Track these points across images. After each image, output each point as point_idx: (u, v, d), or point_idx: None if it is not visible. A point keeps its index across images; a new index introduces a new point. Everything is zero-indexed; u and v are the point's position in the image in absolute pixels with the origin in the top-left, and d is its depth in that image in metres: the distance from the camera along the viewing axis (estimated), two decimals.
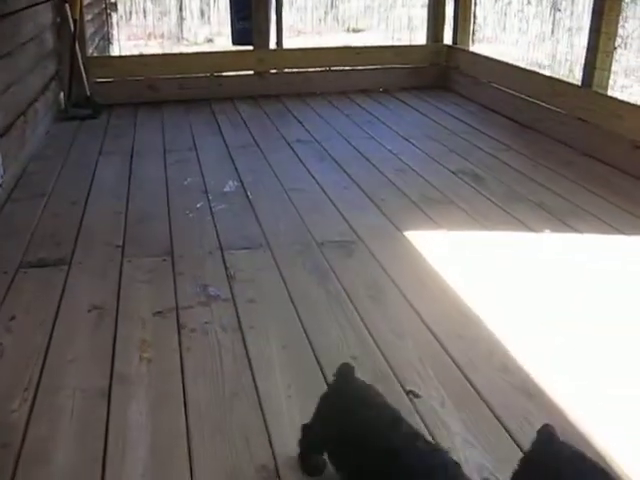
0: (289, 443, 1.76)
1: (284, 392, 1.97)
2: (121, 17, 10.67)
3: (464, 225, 3.15)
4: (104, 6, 8.45)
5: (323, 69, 6.04)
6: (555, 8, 8.88)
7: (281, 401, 1.93)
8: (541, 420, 1.83)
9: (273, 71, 5.93)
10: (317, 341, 2.22)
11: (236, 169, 3.97)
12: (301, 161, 4.12)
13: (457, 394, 1.96)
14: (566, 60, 8.14)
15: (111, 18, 9.13)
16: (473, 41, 6.10)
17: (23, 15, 4.20)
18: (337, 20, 12.51)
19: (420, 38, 7.37)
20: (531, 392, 1.97)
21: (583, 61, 4.36)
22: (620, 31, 4.74)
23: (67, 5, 5.07)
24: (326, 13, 12.45)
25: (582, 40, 5.20)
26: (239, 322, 2.33)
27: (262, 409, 1.89)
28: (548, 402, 1.92)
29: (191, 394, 1.96)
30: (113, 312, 2.41)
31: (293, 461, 1.70)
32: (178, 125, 4.98)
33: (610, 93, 4.37)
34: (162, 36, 11.47)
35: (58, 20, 5.13)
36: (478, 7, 6.32)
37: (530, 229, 3.09)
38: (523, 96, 4.97)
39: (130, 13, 11.44)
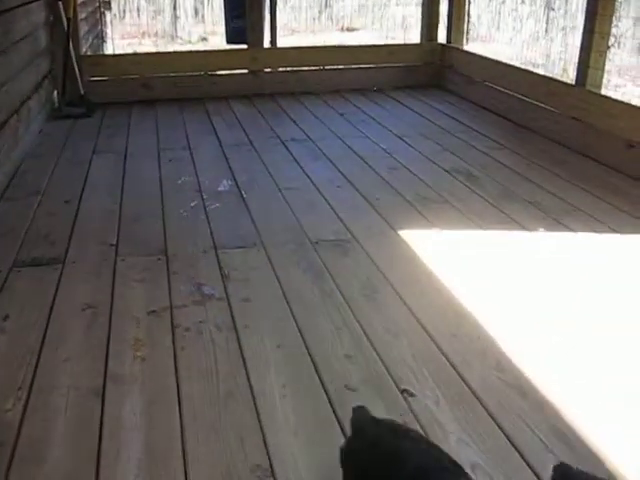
0: (283, 442, 1.76)
1: (278, 391, 1.97)
2: (115, 16, 10.64)
3: (458, 224, 3.15)
4: (98, 4, 8.42)
5: (317, 68, 6.04)
6: (549, 7, 8.90)
7: (275, 400, 1.93)
8: (535, 419, 1.84)
9: (267, 70, 5.92)
10: (311, 340, 2.22)
11: (230, 168, 3.97)
12: (295, 160, 4.12)
13: (452, 393, 1.96)
14: (560, 59, 8.15)
15: (105, 17, 9.10)
16: (467, 40, 6.11)
17: (16, 13, 4.18)
18: (331, 19, 12.50)
19: (414, 37, 7.37)
20: (525, 391, 1.97)
21: (577, 60, 4.37)
22: (614, 30, 4.75)
23: (60, 3, 5.05)
24: (320, 12, 12.44)
25: (576, 39, 5.21)
26: (233, 321, 2.33)
27: (256, 408, 1.89)
28: (542, 401, 1.93)
29: (185, 393, 1.96)
30: (107, 311, 2.40)
31: (287, 460, 1.70)
32: (172, 124, 4.97)
33: (604, 92, 4.38)
34: (156, 35, 11.45)
35: (51, 19, 5.12)
36: (472, 6, 6.34)
37: (524, 228, 3.10)
38: (517, 95, 4.97)
39: (124, 12, 11.41)
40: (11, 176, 3.76)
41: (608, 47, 4.30)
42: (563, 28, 8.53)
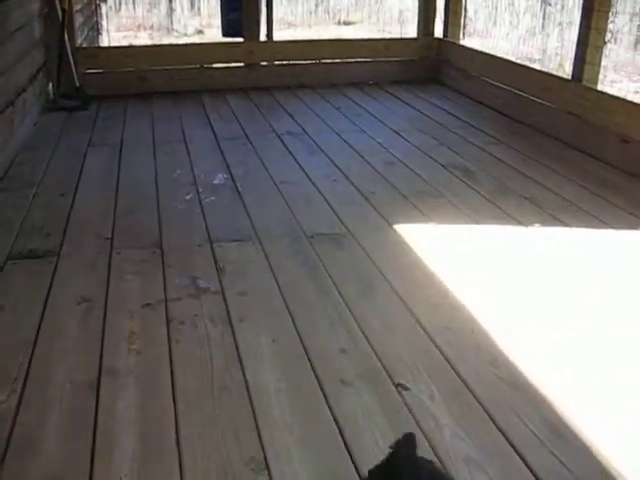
0: (278, 436, 1.76)
1: (273, 385, 1.97)
2: (110, 8, 10.60)
3: (454, 219, 3.16)
4: None
5: (313, 62, 6.03)
6: (546, 2, 8.89)
7: (270, 394, 1.93)
8: (530, 413, 1.85)
9: (263, 63, 5.91)
10: (307, 334, 2.22)
11: (226, 161, 3.96)
12: (291, 154, 4.11)
13: (446, 387, 1.97)
14: (556, 54, 8.16)
15: (100, 9, 9.06)
16: (464, 35, 6.10)
17: (10, 4, 4.16)
18: (328, 12, 12.47)
19: (411, 31, 7.36)
20: (520, 385, 1.98)
21: (573, 56, 4.37)
22: (610, 26, 4.75)
23: None
24: (317, 5, 12.41)
25: (572, 35, 5.21)
26: (228, 315, 2.33)
27: (251, 402, 1.89)
28: (537, 395, 1.93)
29: (180, 386, 1.96)
30: (102, 304, 2.40)
31: (282, 453, 1.70)
32: (168, 117, 4.96)
33: (600, 88, 4.38)
34: (152, 27, 11.41)
35: (46, 10, 5.09)
36: (469, 0, 6.32)
37: (520, 223, 3.10)
38: (513, 90, 4.97)
39: (119, 4, 11.36)
40: (6, 168, 3.75)
41: (604, 43, 4.30)
42: (560, 23, 8.53)
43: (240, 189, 3.52)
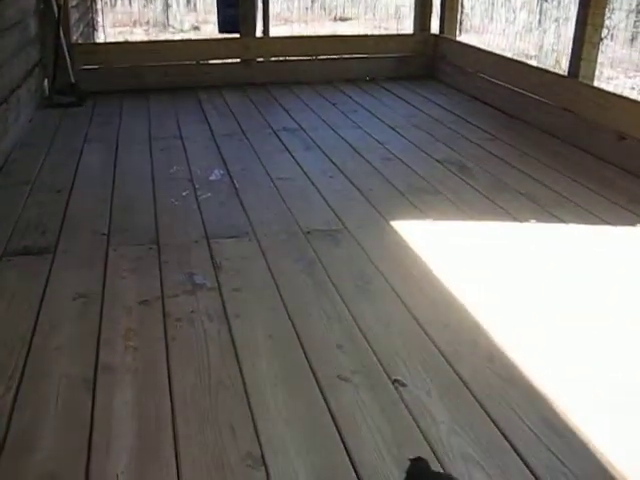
0: (275, 432, 1.76)
1: (270, 381, 1.97)
2: (106, 4, 10.56)
3: (450, 215, 3.16)
4: None
5: (310, 58, 6.02)
6: None
7: (267, 390, 1.93)
8: (527, 410, 1.85)
9: (260, 59, 5.90)
10: (303, 330, 2.22)
11: (222, 158, 3.96)
12: (288, 150, 4.11)
13: (443, 383, 1.97)
14: (553, 51, 8.16)
15: (96, 4, 9.03)
16: (460, 31, 6.11)
17: (6, 0, 4.15)
18: (324, 9, 12.46)
19: (407, 27, 7.35)
20: (516, 381, 1.98)
21: (570, 52, 4.37)
22: (606, 22, 4.76)
23: None
24: (313, 1, 12.39)
25: (569, 31, 5.21)
26: (225, 311, 2.33)
27: (248, 398, 1.89)
28: (533, 391, 1.93)
29: (177, 383, 1.96)
30: (98, 300, 2.40)
31: (279, 449, 1.70)
32: (164, 113, 4.95)
33: (596, 84, 4.38)
34: (148, 23, 11.39)
35: (42, 6, 5.07)
36: None
37: (516, 219, 3.11)
38: (510, 86, 4.97)
39: (115, 0, 11.33)
40: (1, 165, 3.74)
41: (601, 39, 4.31)
42: (556, 19, 8.53)
43: (237, 185, 3.51)
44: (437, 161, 3.91)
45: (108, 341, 2.16)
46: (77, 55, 5.38)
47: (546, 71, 5.18)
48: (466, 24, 9.33)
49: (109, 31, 9.67)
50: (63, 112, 4.90)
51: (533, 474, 1.63)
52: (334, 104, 5.21)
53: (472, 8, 9.57)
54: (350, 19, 12.19)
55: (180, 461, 1.67)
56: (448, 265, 2.67)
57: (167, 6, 11.72)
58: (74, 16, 6.15)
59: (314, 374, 2.00)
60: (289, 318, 2.29)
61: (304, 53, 6.01)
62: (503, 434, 1.76)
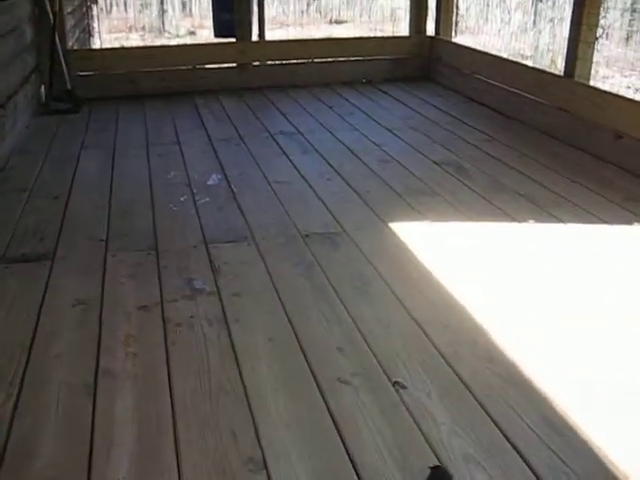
0: (276, 436, 1.76)
1: (270, 385, 1.97)
2: (101, 9, 10.57)
3: (448, 216, 3.16)
4: None
5: (306, 61, 6.03)
6: None
7: (267, 394, 1.93)
8: (527, 410, 1.85)
9: (256, 63, 5.90)
10: (303, 333, 2.22)
11: (220, 162, 3.96)
12: (285, 154, 4.11)
13: (443, 384, 1.97)
14: (548, 51, 8.17)
15: (91, 10, 9.03)
16: (456, 32, 6.11)
17: (0, 7, 4.15)
18: (320, 12, 12.47)
19: (403, 29, 7.36)
20: (516, 381, 1.98)
21: (565, 52, 4.38)
22: (601, 22, 4.77)
23: None
24: (308, 4, 12.41)
25: (564, 31, 5.22)
26: (224, 315, 2.33)
27: (249, 402, 1.89)
28: (534, 391, 1.94)
29: (177, 388, 1.96)
30: (98, 307, 2.39)
31: (280, 453, 1.70)
32: (161, 118, 4.95)
33: (592, 83, 4.39)
34: (143, 29, 11.39)
35: (37, 13, 5.08)
36: None
37: (514, 219, 3.11)
38: (506, 87, 4.98)
39: (111, 5, 11.34)
40: None
41: (596, 38, 4.31)
42: (551, 19, 8.55)
43: (234, 190, 3.51)
44: (434, 162, 3.92)
45: (108, 347, 2.16)
46: (73, 61, 5.38)
47: (542, 71, 5.20)
48: (461, 25, 9.34)
49: (105, 37, 9.66)
50: (60, 118, 4.90)
51: (534, 474, 1.63)
52: (331, 107, 5.21)
53: (467, 9, 9.58)
54: (346, 22, 12.20)
55: (181, 466, 1.67)
56: (447, 266, 2.67)
57: (163, 11, 11.73)
58: (70, 22, 6.14)
59: (314, 377, 2.00)
60: (289, 321, 2.29)
61: (300, 56, 6.01)
62: (504, 434, 1.76)
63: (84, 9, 8.31)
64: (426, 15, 6.19)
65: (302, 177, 3.69)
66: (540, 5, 8.88)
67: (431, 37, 6.10)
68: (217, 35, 7.59)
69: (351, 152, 4.12)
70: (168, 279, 2.59)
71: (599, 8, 4.22)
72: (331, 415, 1.84)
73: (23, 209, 3.27)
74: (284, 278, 2.59)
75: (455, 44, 5.98)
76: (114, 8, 11.41)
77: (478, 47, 6.00)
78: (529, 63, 7.07)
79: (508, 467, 1.66)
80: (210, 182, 3.64)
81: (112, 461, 1.69)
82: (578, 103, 4.18)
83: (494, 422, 1.81)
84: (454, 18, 6.05)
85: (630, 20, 7.57)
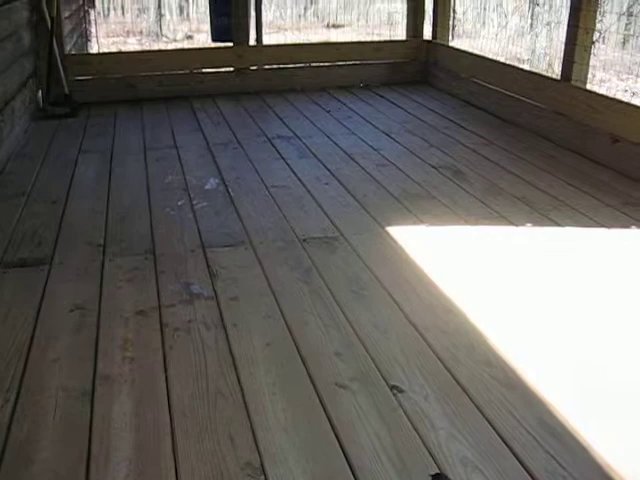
0: (274, 440, 1.76)
1: (268, 389, 1.97)
2: (99, 14, 10.57)
3: (445, 220, 3.16)
4: (81, 3, 8.36)
5: (303, 65, 6.04)
6: (534, 3, 8.93)
7: (265, 398, 1.93)
8: (525, 413, 1.85)
9: (253, 68, 5.91)
10: (300, 338, 2.22)
11: (217, 166, 3.96)
12: (282, 158, 4.11)
13: (441, 388, 1.97)
14: (545, 54, 8.19)
15: (89, 15, 9.04)
16: (453, 36, 6.13)
17: None
18: (317, 16, 12.49)
19: (400, 33, 7.37)
20: (515, 385, 1.98)
21: (562, 55, 4.39)
22: (598, 25, 4.78)
23: (43, 2, 5.02)
24: (306, 9, 12.42)
25: (561, 34, 5.23)
26: (222, 320, 2.33)
27: (246, 407, 1.89)
28: (532, 395, 1.94)
29: (175, 393, 1.96)
30: (95, 312, 2.39)
31: (278, 458, 1.70)
32: (158, 123, 4.95)
33: (589, 87, 4.40)
34: (141, 33, 11.39)
35: (35, 18, 5.08)
36: (457, 2, 6.35)
37: (511, 223, 3.11)
38: (503, 91, 4.99)
39: (108, 10, 11.35)
40: None
41: (593, 42, 4.33)
42: (548, 23, 8.57)
43: (232, 194, 3.51)
44: (432, 166, 3.92)
45: (106, 352, 2.16)
46: (71, 66, 5.39)
47: (539, 75, 5.20)
48: (459, 29, 9.36)
49: (102, 41, 9.67)
50: (57, 123, 4.90)
51: (532, 477, 1.63)
52: (328, 111, 5.22)
53: (464, 13, 9.60)
54: (343, 26, 12.21)
55: (179, 471, 1.67)
56: (444, 270, 2.67)
57: (160, 16, 11.73)
58: (67, 27, 6.15)
59: (312, 382, 2.00)
60: (286, 326, 2.29)
61: (297, 61, 6.02)
62: (502, 438, 1.76)
63: (82, 14, 8.33)
64: (423, 19, 6.21)
65: (299, 181, 3.69)
66: (537, 9, 8.90)
67: (428, 41, 6.12)
68: (215, 39, 7.59)
69: (348, 156, 4.13)
70: (166, 284, 2.59)
71: (595, 12, 4.23)
72: (329, 419, 1.84)
73: (21, 214, 3.27)
74: (282, 282, 2.59)
75: (452, 48, 5.99)
76: (111, 13, 11.41)
77: (475, 51, 6.00)
78: (526, 67, 7.09)
79: (506, 471, 1.66)
80: (208, 186, 3.64)
81: (110, 466, 1.68)
82: (575, 107, 4.19)
83: (492, 426, 1.81)
84: (451, 22, 6.07)
85: (626, 24, 7.60)
